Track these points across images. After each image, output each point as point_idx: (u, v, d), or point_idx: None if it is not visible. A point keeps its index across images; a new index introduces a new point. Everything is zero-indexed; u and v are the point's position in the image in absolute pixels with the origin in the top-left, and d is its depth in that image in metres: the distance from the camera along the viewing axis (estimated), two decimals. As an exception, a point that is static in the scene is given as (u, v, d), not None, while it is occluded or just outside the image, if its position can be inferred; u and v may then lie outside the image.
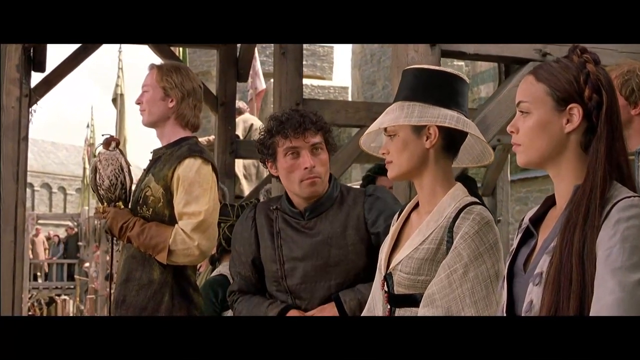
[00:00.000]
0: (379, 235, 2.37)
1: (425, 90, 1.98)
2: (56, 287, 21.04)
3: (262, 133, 2.52)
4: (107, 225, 2.86)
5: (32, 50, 4.91)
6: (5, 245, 4.30)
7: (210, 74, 15.42)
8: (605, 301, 1.36)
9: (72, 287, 20.74)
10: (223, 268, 3.47)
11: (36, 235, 21.57)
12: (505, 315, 1.59)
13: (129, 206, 2.89)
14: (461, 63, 13.59)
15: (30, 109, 4.84)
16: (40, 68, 5.23)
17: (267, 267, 2.52)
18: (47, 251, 22.83)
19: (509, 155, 6.57)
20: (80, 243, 21.33)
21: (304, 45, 5.48)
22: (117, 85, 14.76)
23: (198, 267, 3.76)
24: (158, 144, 2.91)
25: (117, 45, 14.06)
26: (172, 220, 2.74)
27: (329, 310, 2.40)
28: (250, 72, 7.96)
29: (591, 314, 1.39)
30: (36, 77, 5.20)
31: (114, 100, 14.65)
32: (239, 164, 6.46)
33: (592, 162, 1.51)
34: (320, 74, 21.23)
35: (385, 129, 2.01)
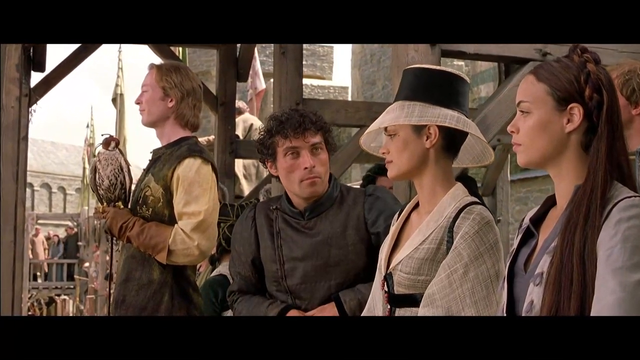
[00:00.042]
0: (379, 235, 2.37)
1: (425, 90, 1.98)
2: (56, 287, 21.04)
3: (262, 133, 2.52)
4: (107, 225, 2.86)
5: (31, 50, 4.92)
6: (5, 245, 4.30)
7: (210, 73, 15.43)
8: (606, 301, 1.36)
9: (71, 287, 20.74)
10: (223, 268, 3.47)
11: (36, 235, 21.57)
12: (505, 315, 1.59)
13: (129, 206, 2.89)
14: (461, 63, 13.59)
15: (30, 109, 4.85)
16: (40, 68, 5.24)
17: (267, 267, 2.52)
18: (46, 251, 22.83)
19: (509, 155, 6.57)
20: (80, 243, 21.34)
21: (304, 45, 5.48)
22: (117, 85, 14.77)
23: (198, 267, 3.76)
24: (158, 144, 2.91)
25: (117, 45, 14.09)
26: (171, 220, 2.74)
27: (329, 310, 2.39)
28: (250, 72, 7.96)
29: (592, 314, 1.39)
30: (36, 77, 5.22)
31: (114, 100, 14.67)
32: (239, 164, 6.46)
33: (592, 162, 1.51)
34: (320, 74, 21.24)
35: (385, 129, 2.01)
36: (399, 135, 1.98)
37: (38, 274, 21.49)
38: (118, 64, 14.91)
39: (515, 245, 1.64)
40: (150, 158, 2.90)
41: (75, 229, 22.44)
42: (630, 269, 1.37)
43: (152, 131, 2.92)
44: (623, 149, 1.54)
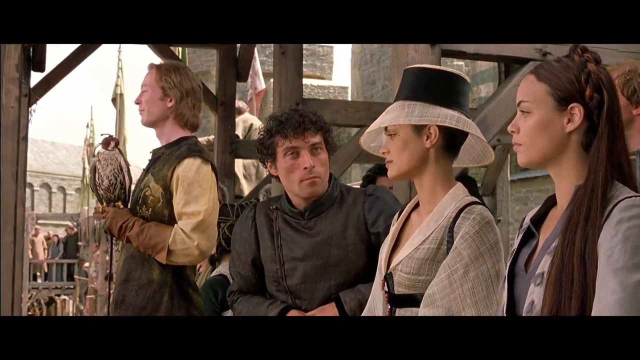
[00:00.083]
0: (379, 235, 2.36)
1: (426, 90, 1.98)
2: (56, 287, 21.04)
3: (262, 133, 2.52)
4: (107, 225, 2.86)
5: (31, 50, 4.91)
6: (4, 245, 4.30)
7: (210, 73, 15.43)
8: (606, 301, 1.36)
9: (71, 287, 20.75)
10: (223, 268, 3.47)
11: (35, 235, 21.57)
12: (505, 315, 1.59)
13: (128, 206, 2.88)
14: (461, 63, 13.59)
15: (29, 109, 4.84)
16: (40, 68, 5.23)
17: (267, 267, 2.52)
18: (46, 251, 22.83)
19: (509, 155, 6.57)
20: (79, 243, 21.35)
21: (304, 45, 5.48)
22: (116, 85, 14.78)
23: (198, 267, 3.75)
24: (158, 144, 2.90)
25: (116, 45, 14.09)
26: (171, 220, 2.74)
27: (329, 310, 2.39)
28: (250, 72, 7.95)
29: (593, 314, 1.38)
30: (36, 77, 5.21)
31: (114, 100, 14.68)
32: (239, 164, 6.46)
33: (593, 161, 1.50)
34: (320, 74, 21.23)
35: (385, 129, 2.01)
36: (399, 135, 1.98)
37: (38, 274, 21.50)
38: (118, 64, 14.92)
39: (515, 246, 1.64)
40: (150, 158, 2.90)
41: (75, 229, 22.44)
42: (631, 269, 1.37)
43: (152, 131, 2.92)
44: (624, 148, 1.53)
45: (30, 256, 19.79)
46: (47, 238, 23.55)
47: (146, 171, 2.86)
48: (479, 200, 1.99)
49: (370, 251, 2.40)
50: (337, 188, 2.53)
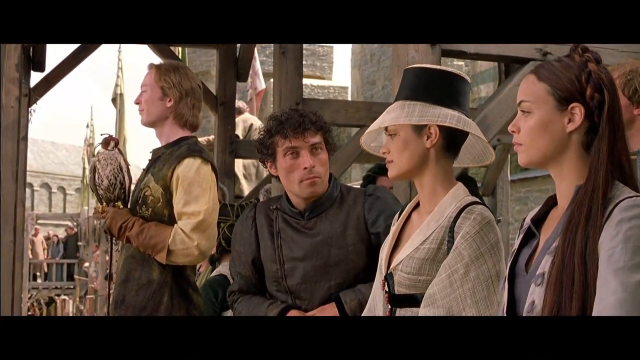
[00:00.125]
0: (379, 235, 2.36)
1: (426, 90, 1.97)
2: (56, 287, 21.05)
3: (262, 133, 2.52)
4: (106, 225, 2.86)
5: (31, 50, 4.91)
6: (4, 245, 4.29)
7: (210, 73, 15.43)
8: (607, 301, 1.36)
9: (71, 287, 20.75)
10: (223, 268, 3.47)
11: (35, 235, 21.57)
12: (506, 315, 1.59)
13: (128, 206, 2.88)
14: (461, 63, 13.59)
15: (29, 109, 4.83)
16: (40, 68, 5.23)
17: (267, 267, 2.52)
18: (46, 251, 22.83)
19: (509, 155, 6.57)
20: (79, 243, 21.35)
21: (304, 45, 5.48)
22: (116, 85, 14.79)
23: (198, 267, 3.76)
24: (158, 144, 2.90)
25: (116, 45, 14.09)
26: (171, 220, 2.74)
27: (330, 310, 2.39)
28: (250, 72, 7.95)
29: (593, 314, 1.38)
30: (36, 77, 5.21)
31: (114, 100, 14.68)
32: (239, 164, 6.46)
33: (594, 161, 1.50)
34: (320, 74, 21.24)
35: (385, 128, 2.01)
36: (399, 135, 1.98)
37: (38, 274, 21.50)
38: (118, 64, 14.93)
39: (516, 246, 1.64)
40: (150, 158, 2.90)
41: (75, 229, 22.45)
42: (631, 269, 1.37)
43: (152, 131, 2.92)
44: (624, 148, 1.53)
45: (30, 256, 19.79)
46: (47, 238, 23.56)
47: (146, 171, 2.86)
48: (479, 200, 1.99)
49: (371, 251, 2.40)
50: (337, 188, 2.53)
